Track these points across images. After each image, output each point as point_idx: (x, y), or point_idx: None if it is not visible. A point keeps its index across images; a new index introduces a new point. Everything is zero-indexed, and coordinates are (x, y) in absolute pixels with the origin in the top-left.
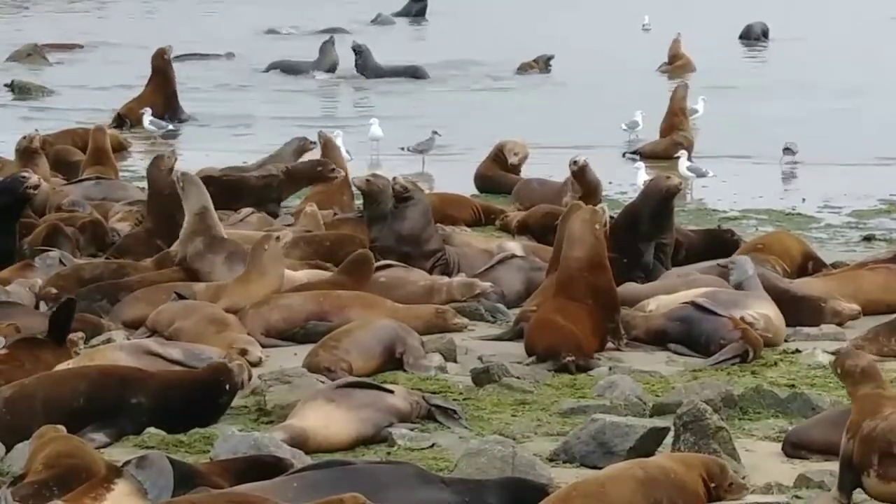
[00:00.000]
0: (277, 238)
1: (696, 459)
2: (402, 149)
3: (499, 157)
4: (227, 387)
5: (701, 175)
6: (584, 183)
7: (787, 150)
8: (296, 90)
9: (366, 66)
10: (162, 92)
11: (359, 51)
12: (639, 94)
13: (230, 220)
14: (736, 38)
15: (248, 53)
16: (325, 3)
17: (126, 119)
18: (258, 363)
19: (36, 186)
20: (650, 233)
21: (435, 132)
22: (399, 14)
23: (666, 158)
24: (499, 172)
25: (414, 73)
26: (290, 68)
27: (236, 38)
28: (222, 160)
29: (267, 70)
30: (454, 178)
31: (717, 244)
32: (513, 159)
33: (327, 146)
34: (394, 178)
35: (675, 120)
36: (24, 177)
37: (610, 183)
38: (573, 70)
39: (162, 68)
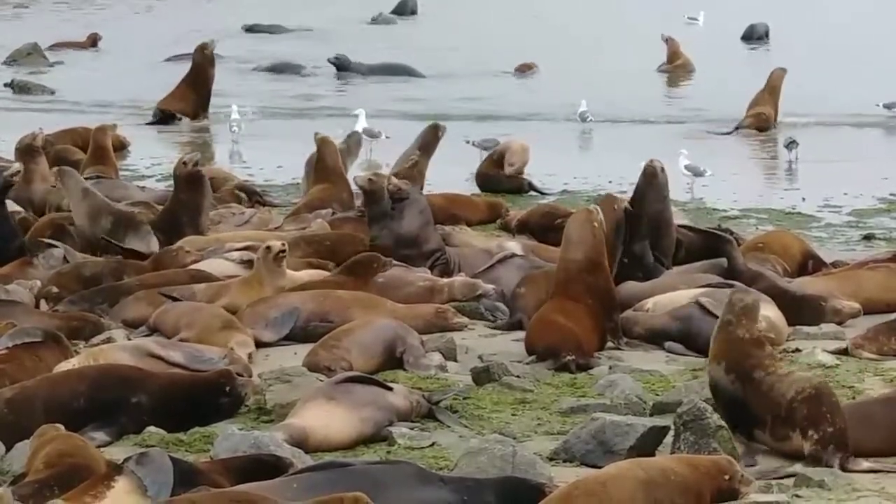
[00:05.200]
0: (268, 248)
1: (705, 461)
2: (468, 142)
3: (501, 158)
4: (228, 389)
5: (698, 174)
6: None
7: (791, 144)
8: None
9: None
10: (194, 89)
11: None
12: (634, 94)
13: (232, 220)
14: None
15: (238, 53)
16: (326, 4)
17: (166, 113)
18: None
19: (16, 174)
20: (648, 232)
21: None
22: (392, 12)
23: (762, 130)
24: (500, 172)
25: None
26: (280, 68)
27: (224, 36)
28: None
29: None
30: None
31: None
32: (509, 170)
33: (323, 146)
34: (388, 178)
35: (767, 97)
36: (2, 167)
37: (610, 182)
38: (573, 70)
39: (199, 63)
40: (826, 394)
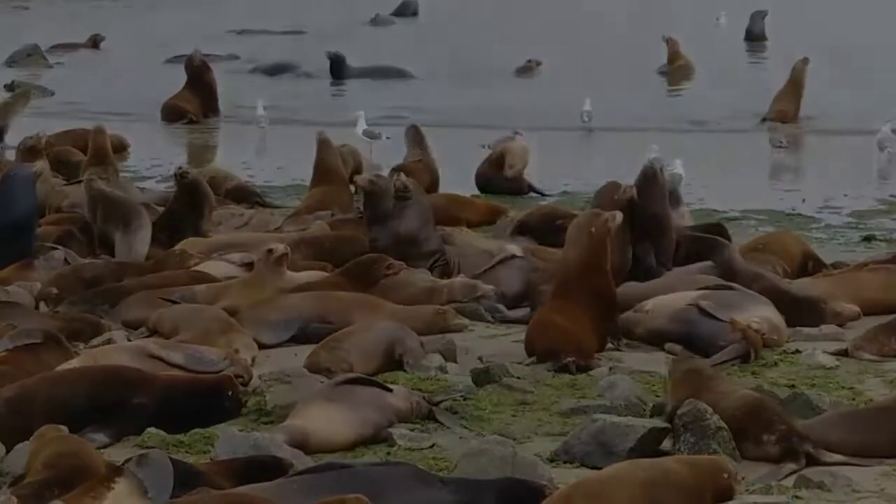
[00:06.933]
0: (270, 251)
1: (704, 461)
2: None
3: (500, 159)
4: (230, 393)
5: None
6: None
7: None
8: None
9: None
10: (197, 94)
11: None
12: (634, 95)
13: (231, 222)
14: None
15: (233, 54)
16: (324, 5)
17: (174, 110)
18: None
19: (40, 173)
20: (648, 233)
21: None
22: (393, 14)
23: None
24: (499, 174)
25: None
26: (275, 69)
27: (220, 37)
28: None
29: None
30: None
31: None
32: (510, 172)
33: (323, 147)
34: (396, 177)
35: (791, 89)
36: (26, 165)
37: None
38: (575, 71)
39: (192, 73)
40: (767, 401)
